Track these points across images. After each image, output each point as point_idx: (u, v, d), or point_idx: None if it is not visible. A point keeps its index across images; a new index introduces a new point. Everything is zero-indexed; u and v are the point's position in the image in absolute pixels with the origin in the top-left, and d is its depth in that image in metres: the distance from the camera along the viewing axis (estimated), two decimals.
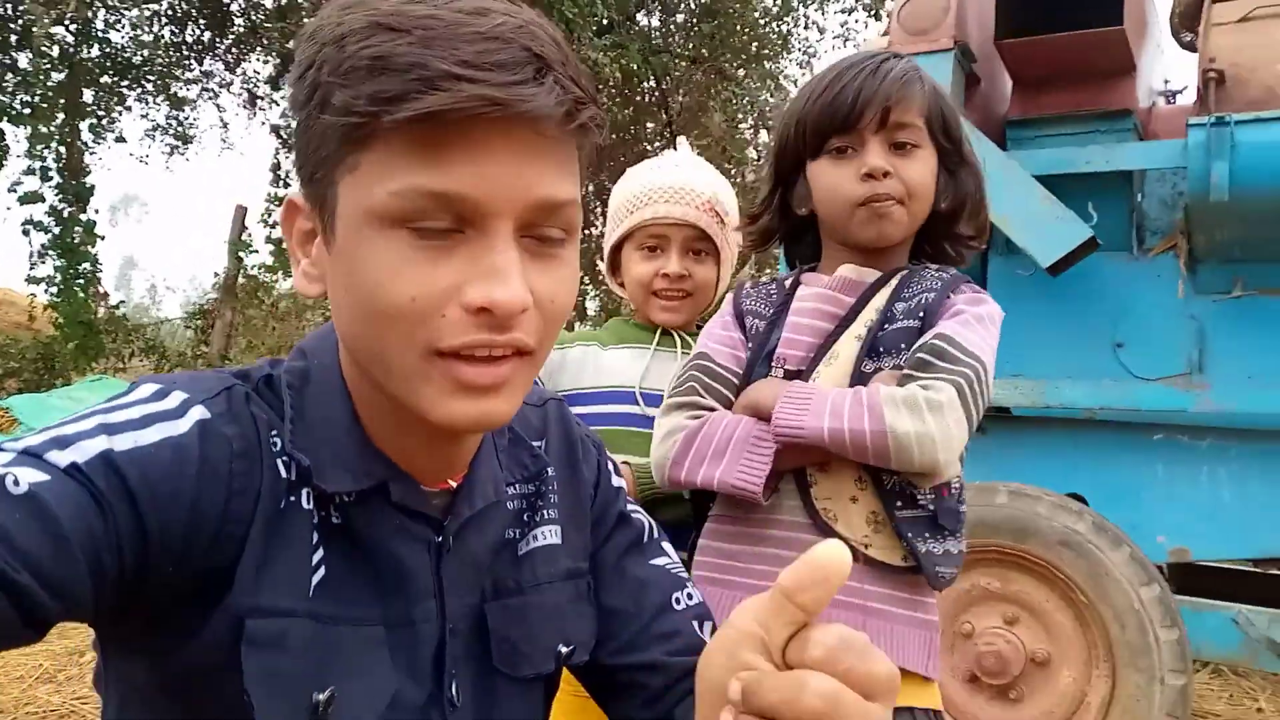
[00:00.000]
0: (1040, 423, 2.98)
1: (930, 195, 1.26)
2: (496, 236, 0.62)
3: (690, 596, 0.89)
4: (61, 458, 0.57)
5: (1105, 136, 3.04)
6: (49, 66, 8.30)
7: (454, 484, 0.77)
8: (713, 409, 1.24)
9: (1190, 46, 3.32)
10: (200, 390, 0.67)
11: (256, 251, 9.51)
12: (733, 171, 10.09)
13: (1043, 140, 3.13)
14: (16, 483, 0.54)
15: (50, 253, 8.34)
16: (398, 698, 0.71)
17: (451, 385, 0.63)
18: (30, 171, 8.23)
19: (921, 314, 1.21)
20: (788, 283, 1.34)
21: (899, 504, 1.16)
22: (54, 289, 8.34)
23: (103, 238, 8.51)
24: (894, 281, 1.27)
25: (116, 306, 9.24)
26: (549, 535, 0.84)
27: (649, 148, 10.38)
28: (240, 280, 9.61)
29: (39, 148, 8.20)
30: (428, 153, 0.59)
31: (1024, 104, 3.23)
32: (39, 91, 8.20)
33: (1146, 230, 3.05)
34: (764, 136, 10.57)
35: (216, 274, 9.93)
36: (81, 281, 8.41)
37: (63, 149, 8.59)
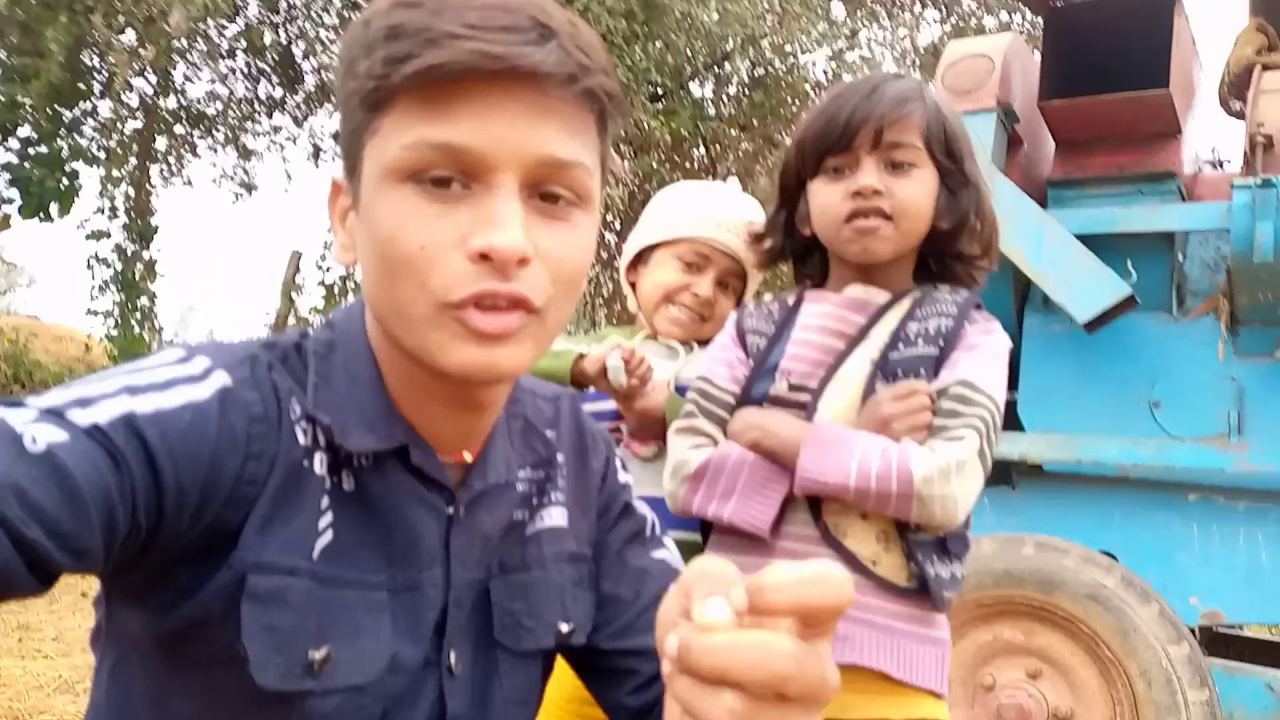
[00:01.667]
0: (1072, 479, 2.92)
1: (925, 214, 1.24)
2: (500, 189, 0.64)
3: None
4: (83, 417, 0.58)
5: (1148, 198, 3.01)
6: (127, 115, 8.68)
7: (469, 458, 0.79)
8: (714, 437, 1.25)
9: (1239, 115, 3.30)
10: (224, 357, 0.68)
11: (307, 295, 9.72)
12: None
13: (1084, 200, 3.11)
14: (35, 441, 0.55)
15: (111, 286, 8.61)
16: (395, 661, 0.72)
17: (462, 332, 0.65)
18: (99, 210, 8.56)
19: (941, 342, 1.21)
20: (790, 299, 1.34)
21: (909, 525, 1.16)
22: (111, 322, 8.59)
23: (163, 275, 8.78)
24: (905, 303, 1.26)
25: (170, 342, 9.47)
26: (556, 517, 0.86)
27: None
28: (291, 322, 9.82)
29: (110, 188, 8.53)
30: (436, 108, 0.63)
31: (1066, 165, 3.22)
32: (116, 137, 8.57)
33: (1187, 292, 3.01)
34: None
35: (267, 314, 10.16)
36: (139, 316, 8.66)
37: (131, 190, 8.93)
